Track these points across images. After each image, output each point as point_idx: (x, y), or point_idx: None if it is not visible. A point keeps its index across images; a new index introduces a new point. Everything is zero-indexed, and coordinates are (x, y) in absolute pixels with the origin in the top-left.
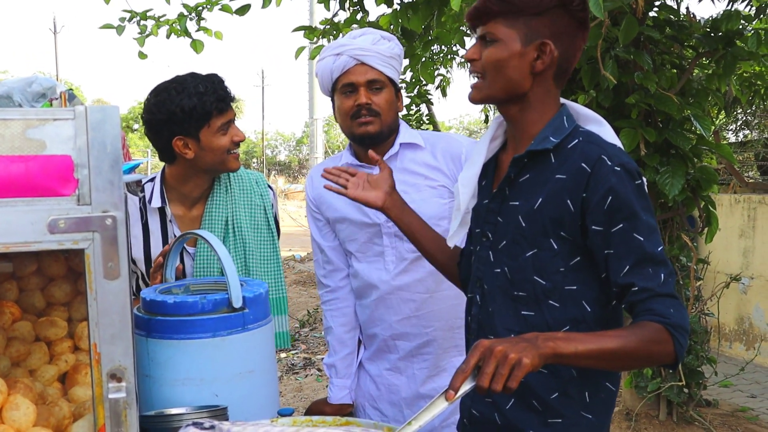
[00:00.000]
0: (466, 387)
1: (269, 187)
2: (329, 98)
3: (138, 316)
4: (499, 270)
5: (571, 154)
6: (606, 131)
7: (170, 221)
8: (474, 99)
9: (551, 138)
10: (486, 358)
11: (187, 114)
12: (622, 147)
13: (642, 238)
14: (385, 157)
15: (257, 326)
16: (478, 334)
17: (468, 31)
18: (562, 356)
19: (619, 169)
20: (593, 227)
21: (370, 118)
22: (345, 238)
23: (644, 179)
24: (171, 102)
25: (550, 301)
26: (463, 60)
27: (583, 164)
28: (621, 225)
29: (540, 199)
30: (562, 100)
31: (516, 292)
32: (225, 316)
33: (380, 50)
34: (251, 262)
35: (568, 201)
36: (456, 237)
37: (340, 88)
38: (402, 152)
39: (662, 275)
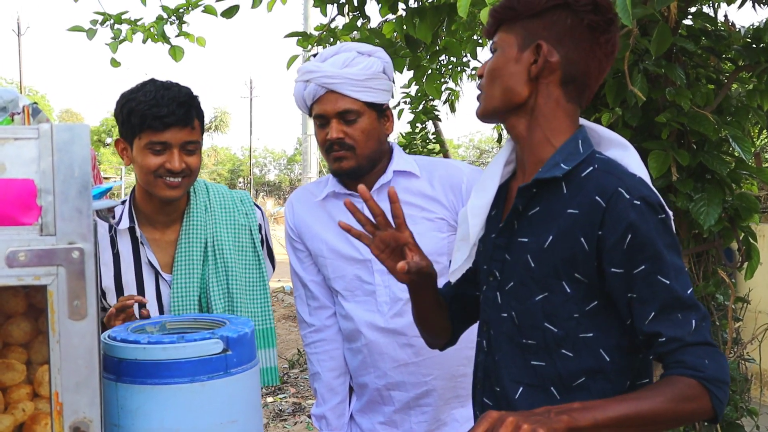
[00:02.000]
0: None
1: (256, 206)
2: None
3: (107, 357)
4: (506, 315)
5: (585, 184)
6: (631, 157)
7: (142, 243)
8: (477, 114)
9: (562, 165)
10: (495, 428)
11: (126, 117)
12: (646, 176)
13: (667, 281)
14: (376, 186)
15: (241, 370)
16: (483, 383)
17: (480, 41)
18: (579, 429)
19: (639, 202)
20: (612, 269)
21: (342, 153)
22: (330, 275)
23: (670, 213)
24: (122, 99)
25: (563, 351)
26: (473, 72)
27: (597, 197)
28: (643, 266)
29: (551, 237)
30: (582, 121)
31: (524, 340)
32: (205, 359)
33: (351, 74)
34: (235, 288)
35: (582, 239)
36: (459, 272)
37: (314, 117)
38: (395, 180)
39: (693, 321)
